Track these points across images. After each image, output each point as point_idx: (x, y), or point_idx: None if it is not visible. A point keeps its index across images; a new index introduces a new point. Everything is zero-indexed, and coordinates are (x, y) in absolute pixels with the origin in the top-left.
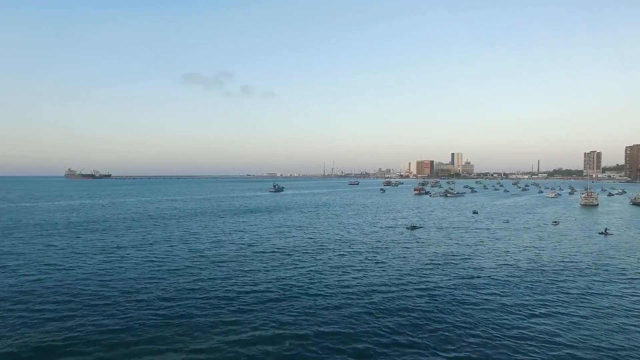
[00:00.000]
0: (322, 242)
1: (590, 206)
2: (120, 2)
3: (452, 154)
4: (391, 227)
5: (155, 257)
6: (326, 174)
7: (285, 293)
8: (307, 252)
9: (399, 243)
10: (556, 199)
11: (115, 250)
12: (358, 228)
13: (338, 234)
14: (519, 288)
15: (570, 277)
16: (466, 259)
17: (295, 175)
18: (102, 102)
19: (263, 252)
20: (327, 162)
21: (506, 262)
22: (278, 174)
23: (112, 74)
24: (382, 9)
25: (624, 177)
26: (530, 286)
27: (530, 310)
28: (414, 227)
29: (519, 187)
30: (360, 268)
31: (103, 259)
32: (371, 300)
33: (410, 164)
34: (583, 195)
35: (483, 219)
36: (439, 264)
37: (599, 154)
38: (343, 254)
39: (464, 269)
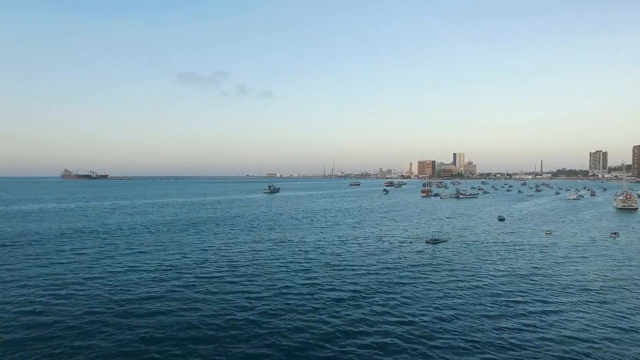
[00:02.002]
0: (311, 271)
1: (629, 210)
2: (113, 4)
3: (454, 154)
4: (405, 241)
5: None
6: (326, 174)
7: None
8: (283, 294)
9: (420, 269)
10: (579, 201)
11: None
12: (362, 244)
13: (335, 256)
14: None
15: None
16: (536, 300)
17: (295, 175)
18: (98, 103)
19: (210, 296)
20: (327, 163)
21: (597, 307)
22: (278, 175)
23: (107, 74)
24: (383, 11)
25: (632, 177)
26: None
27: None
28: (435, 241)
29: (530, 188)
30: (373, 328)
31: None
32: None
33: (411, 164)
34: (620, 198)
35: (516, 229)
36: (500, 312)
37: (605, 154)
38: (340, 297)
39: (545, 324)
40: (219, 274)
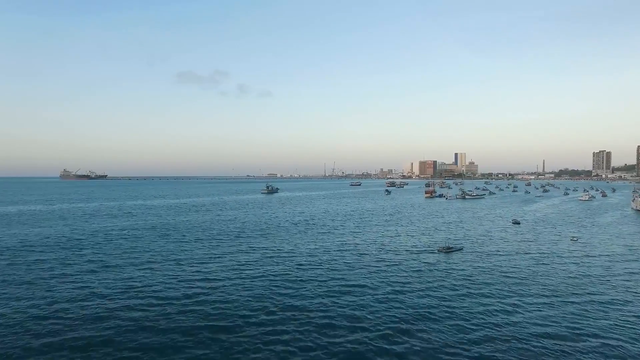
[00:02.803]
0: (299, 296)
1: None
2: (111, 3)
3: (456, 154)
4: (415, 249)
5: None
6: (327, 174)
7: None
8: (263, 324)
9: (436, 290)
10: (592, 202)
11: None
12: (364, 255)
13: (332, 272)
14: None
15: None
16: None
17: (295, 175)
18: (97, 103)
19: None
20: (327, 163)
21: None
22: (278, 175)
23: (106, 74)
24: (384, 10)
25: (636, 177)
26: None
27: None
28: (448, 250)
29: (537, 188)
30: None
31: None
32: None
33: (412, 164)
34: None
35: (535, 235)
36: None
37: (608, 154)
38: (336, 339)
39: None
40: (190, 293)
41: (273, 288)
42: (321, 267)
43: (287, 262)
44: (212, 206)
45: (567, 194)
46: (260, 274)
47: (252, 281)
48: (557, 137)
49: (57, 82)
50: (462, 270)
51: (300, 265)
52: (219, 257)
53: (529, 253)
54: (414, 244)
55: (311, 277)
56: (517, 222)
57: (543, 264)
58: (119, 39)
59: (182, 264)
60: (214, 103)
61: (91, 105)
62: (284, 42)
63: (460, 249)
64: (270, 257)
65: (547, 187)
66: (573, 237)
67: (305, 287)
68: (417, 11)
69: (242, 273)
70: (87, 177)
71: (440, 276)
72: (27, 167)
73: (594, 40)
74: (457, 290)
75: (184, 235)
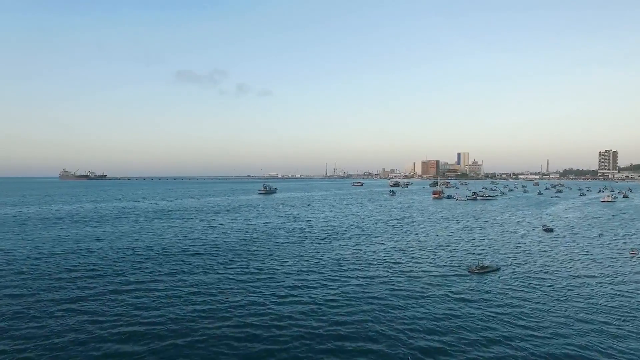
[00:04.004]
0: (280, 342)
1: None
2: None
3: (459, 154)
4: (437, 270)
5: None
6: (328, 174)
7: None
8: None
9: (473, 333)
10: (615, 204)
11: None
12: (371, 280)
13: (326, 307)
14: None
15: None
16: None
17: (297, 176)
18: (96, 102)
19: None
20: (329, 163)
21: None
22: (279, 175)
23: (104, 73)
24: (388, 10)
25: None
26: None
27: None
28: (482, 270)
29: (547, 189)
30: None
31: None
32: None
33: (414, 164)
34: None
35: (580, 247)
36: None
37: (615, 153)
38: None
39: None
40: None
41: (221, 347)
42: (309, 300)
43: (262, 291)
44: (198, 210)
45: (584, 194)
46: (232, 305)
47: (221, 311)
48: (560, 136)
49: (55, 81)
50: (512, 303)
51: (281, 297)
52: (189, 278)
53: (593, 276)
54: (434, 261)
55: (292, 317)
56: (549, 229)
57: (619, 293)
58: (115, 38)
59: (119, 293)
60: (214, 102)
61: (90, 105)
62: (284, 41)
63: (497, 270)
64: (242, 281)
65: (559, 188)
66: (633, 250)
67: (281, 338)
68: (419, 10)
69: (209, 300)
70: (87, 177)
71: (485, 316)
72: (26, 168)
73: (597, 39)
74: (517, 342)
75: (149, 247)
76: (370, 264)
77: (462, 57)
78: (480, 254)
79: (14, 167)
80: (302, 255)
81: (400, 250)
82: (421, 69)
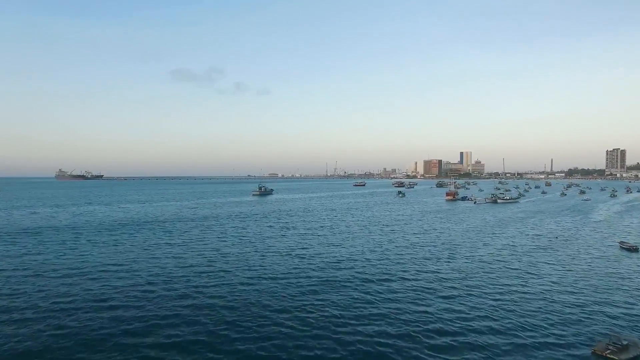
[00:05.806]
0: None
1: None
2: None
3: (461, 153)
4: (542, 350)
5: None
6: (329, 174)
7: None
8: None
9: None
10: None
11: None
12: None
13: None
14: None
15: None
16: None
17: (297, 175)
18: (93, 102)
19: None
20: (329, 163)
21: None
22: (279, 175)
23: (100, 73)
24: (386, 10)
25: None
26: None
27: None
28: (620, 350)
29: (565, 189)
30: None
31: None
32: None
33: (416, 163)
34: None
35: None
36: None
37: (623, 152)
38: None
39: None
40: None
41: None
42: None
43: None
44: (166, 219)
45: (615, 196)
46: None
47: None
48: (564, 135)
49: (52, 81)
50: None
51: None
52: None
53: None
54: (544, 335)
55: None
56: (634, 249)
57: None
58: (110, 37)
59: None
60: (212, 101)
61: (85, 104)
62: (283, 39)
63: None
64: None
65: (582, 189)
66: None
67: None
68: (420, 9)
69: None
70: (83, 177)
71: None
72: (23, 168)
73: (602, 37)
74: None
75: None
76: (394, 324)
77: (463, 56)
78: (595, 314)
79: (10, 168)
80: (287, 308)
81: (432, 281)
82: (422, 67)
